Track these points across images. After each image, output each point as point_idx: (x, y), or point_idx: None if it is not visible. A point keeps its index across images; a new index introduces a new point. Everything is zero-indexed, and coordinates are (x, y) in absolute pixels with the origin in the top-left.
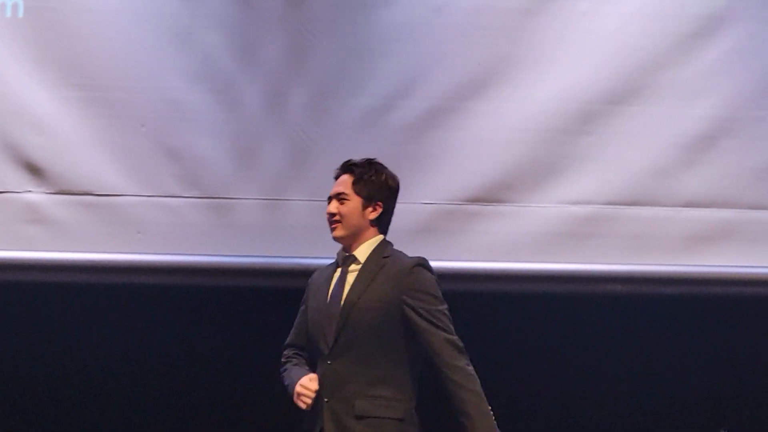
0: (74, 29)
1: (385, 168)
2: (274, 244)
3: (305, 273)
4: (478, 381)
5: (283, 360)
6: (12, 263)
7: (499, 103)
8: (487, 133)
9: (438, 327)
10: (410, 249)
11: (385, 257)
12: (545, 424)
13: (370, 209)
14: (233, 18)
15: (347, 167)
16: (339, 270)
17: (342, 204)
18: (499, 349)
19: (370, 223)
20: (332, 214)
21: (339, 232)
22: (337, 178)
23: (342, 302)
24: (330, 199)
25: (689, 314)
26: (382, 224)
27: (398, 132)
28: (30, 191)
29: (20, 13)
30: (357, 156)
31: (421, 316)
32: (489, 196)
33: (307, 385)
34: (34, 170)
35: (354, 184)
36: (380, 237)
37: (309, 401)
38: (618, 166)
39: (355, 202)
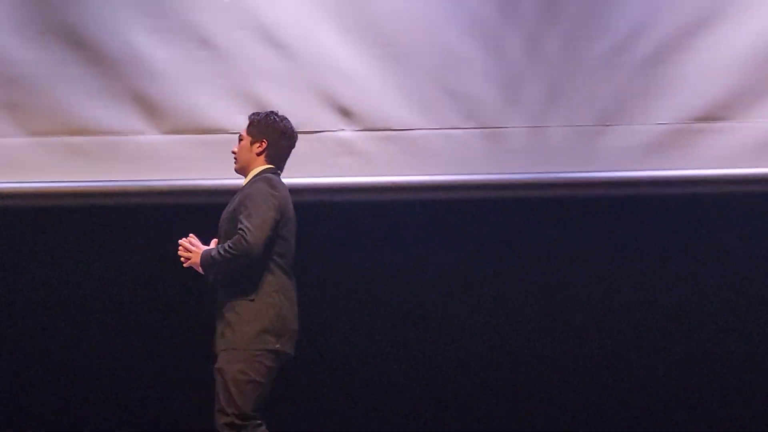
0: None
1: (278, 116)
2: (538, 164)
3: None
4: (233, 254)
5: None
6: (331, 187)
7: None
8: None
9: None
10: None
11: (254, 181)
12: None
13: (256, 145)
14: None
15: (249, 117)
16: None
17: (238, 144)
18: None
19: (256, 156)
20: (233, 153)
21: (235, 166)
22: None
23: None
24: None
25: None
26: (270, 156)
27: (636, 65)
28: (343, 129)
29: None
30: (603, 89)
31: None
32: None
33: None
34: (345, 112)
35: (247, 127)
36: (266, 166)
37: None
38: None
39: (245, 141)
